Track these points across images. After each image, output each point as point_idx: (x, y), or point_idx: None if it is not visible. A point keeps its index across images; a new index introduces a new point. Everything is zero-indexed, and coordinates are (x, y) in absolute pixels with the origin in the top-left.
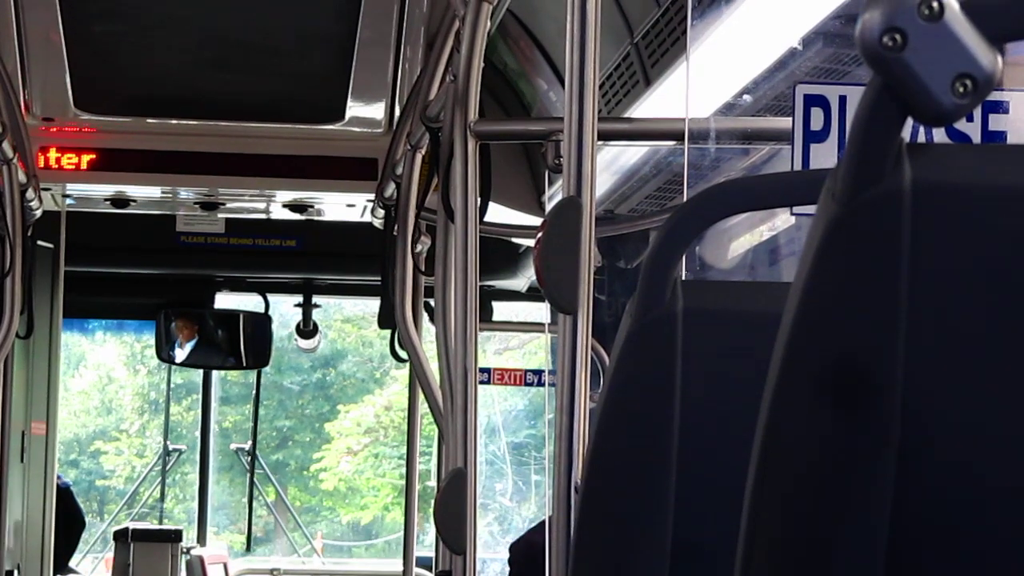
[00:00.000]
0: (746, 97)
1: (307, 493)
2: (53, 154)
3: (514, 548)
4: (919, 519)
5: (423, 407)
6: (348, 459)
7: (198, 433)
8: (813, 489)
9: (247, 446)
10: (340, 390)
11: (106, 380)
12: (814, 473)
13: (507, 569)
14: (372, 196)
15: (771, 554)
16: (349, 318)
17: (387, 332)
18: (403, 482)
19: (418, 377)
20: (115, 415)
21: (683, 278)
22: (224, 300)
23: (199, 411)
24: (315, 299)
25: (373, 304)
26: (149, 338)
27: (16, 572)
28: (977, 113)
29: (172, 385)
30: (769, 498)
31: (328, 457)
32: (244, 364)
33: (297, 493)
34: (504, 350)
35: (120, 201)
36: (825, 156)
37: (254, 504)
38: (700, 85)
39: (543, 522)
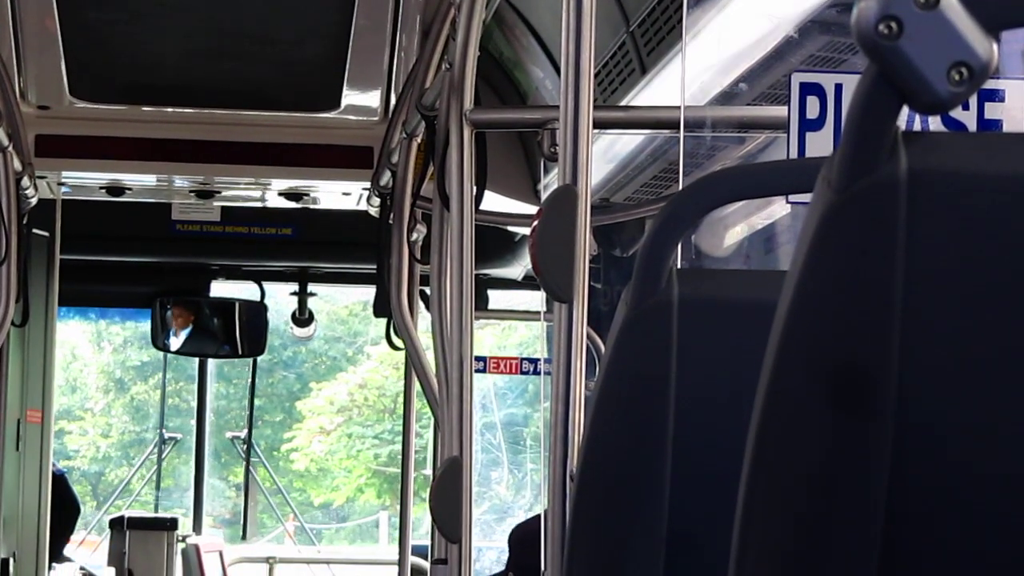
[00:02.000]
0: (742, 85)
1: (277, 474)
2: (48, 142)
3: (511, 535)
4: (914, 516)
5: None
6: (320, 439)
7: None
8: (807, 484)
9: (242, 434)
10: (312, 368)
11: (70, 358)
12: (807, 466)
13: (502, 557)
14: (368, 184)
15: (765, 550)
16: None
17: (358, 308)
18: (376, 464)
19: (413, 365)
20: (80, 393)
21: (679, 266)
22: (220, 288)
23: (166, 391)
24: (310, 287)
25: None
26: (113, 318)
27: (12, 560)
28: (973, 101)
29: (139, 363)
30: (763, 493)
31: (299, 436)
32: (240, 352)
33: (266, 474)
34: (485, 324)
35: (115, 189)
36: (821, 144)
37: (222, 485)
38: (696, 73)
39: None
